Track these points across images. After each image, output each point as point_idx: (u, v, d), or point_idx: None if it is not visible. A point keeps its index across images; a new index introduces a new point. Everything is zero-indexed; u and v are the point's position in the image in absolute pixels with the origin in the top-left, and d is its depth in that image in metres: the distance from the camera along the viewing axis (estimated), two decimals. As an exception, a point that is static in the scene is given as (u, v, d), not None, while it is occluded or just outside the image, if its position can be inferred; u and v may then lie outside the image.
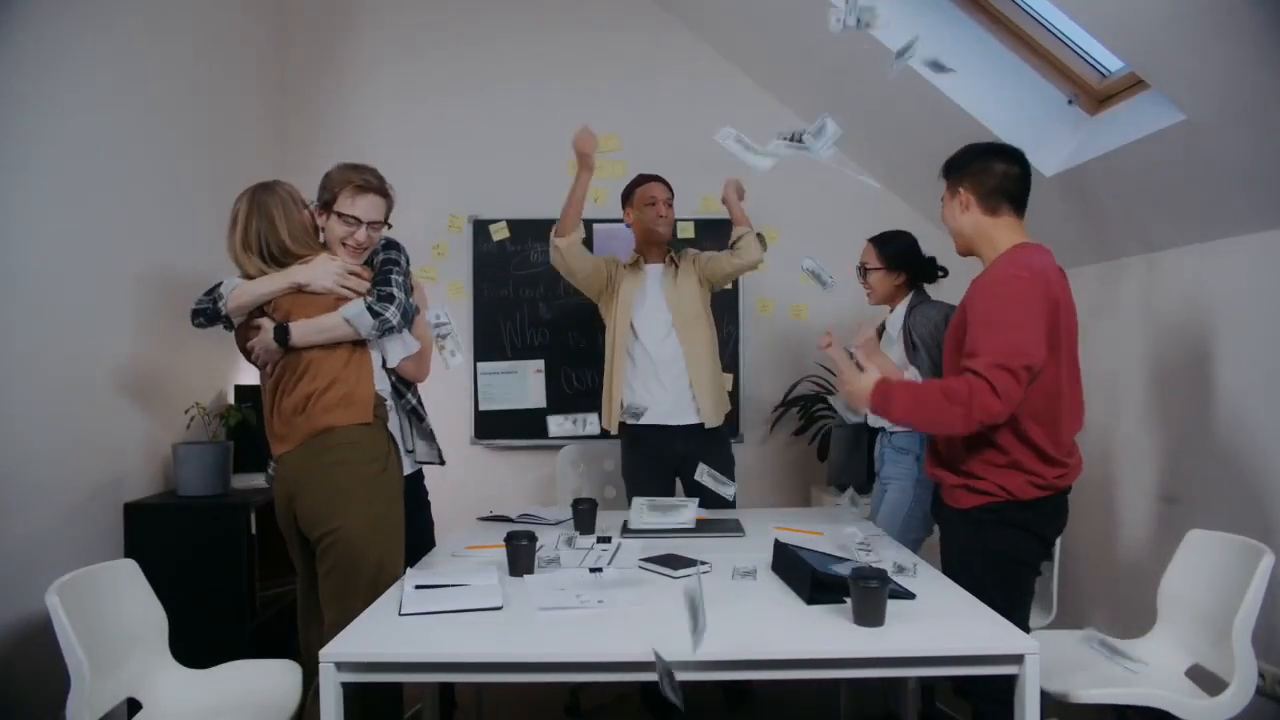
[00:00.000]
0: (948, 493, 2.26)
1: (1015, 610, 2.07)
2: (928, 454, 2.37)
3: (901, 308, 2.97)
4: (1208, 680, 2.19)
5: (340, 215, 2.36)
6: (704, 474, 2.78)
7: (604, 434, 3.23)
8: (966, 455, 2.19)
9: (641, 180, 3.33)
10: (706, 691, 3.28)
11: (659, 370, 3.22)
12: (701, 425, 3.22)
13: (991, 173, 2.24)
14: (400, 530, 2.28)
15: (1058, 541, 2.38)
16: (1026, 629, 2.10)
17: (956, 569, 2.17)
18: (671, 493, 3.25)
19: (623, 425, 3.27)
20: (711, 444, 3.23)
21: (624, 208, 3.37)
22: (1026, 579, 2.21)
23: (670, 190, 3.31)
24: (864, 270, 3.02)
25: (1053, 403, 2.13)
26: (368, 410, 2.25)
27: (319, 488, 2.19)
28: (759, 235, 3.24)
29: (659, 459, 3.23)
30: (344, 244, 2.35)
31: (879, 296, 3.02)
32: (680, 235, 4.19)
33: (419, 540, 2.68)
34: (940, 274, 3.03)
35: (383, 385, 2.37)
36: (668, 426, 3.19)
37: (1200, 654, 2.23)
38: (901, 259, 2.97)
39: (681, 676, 1.88)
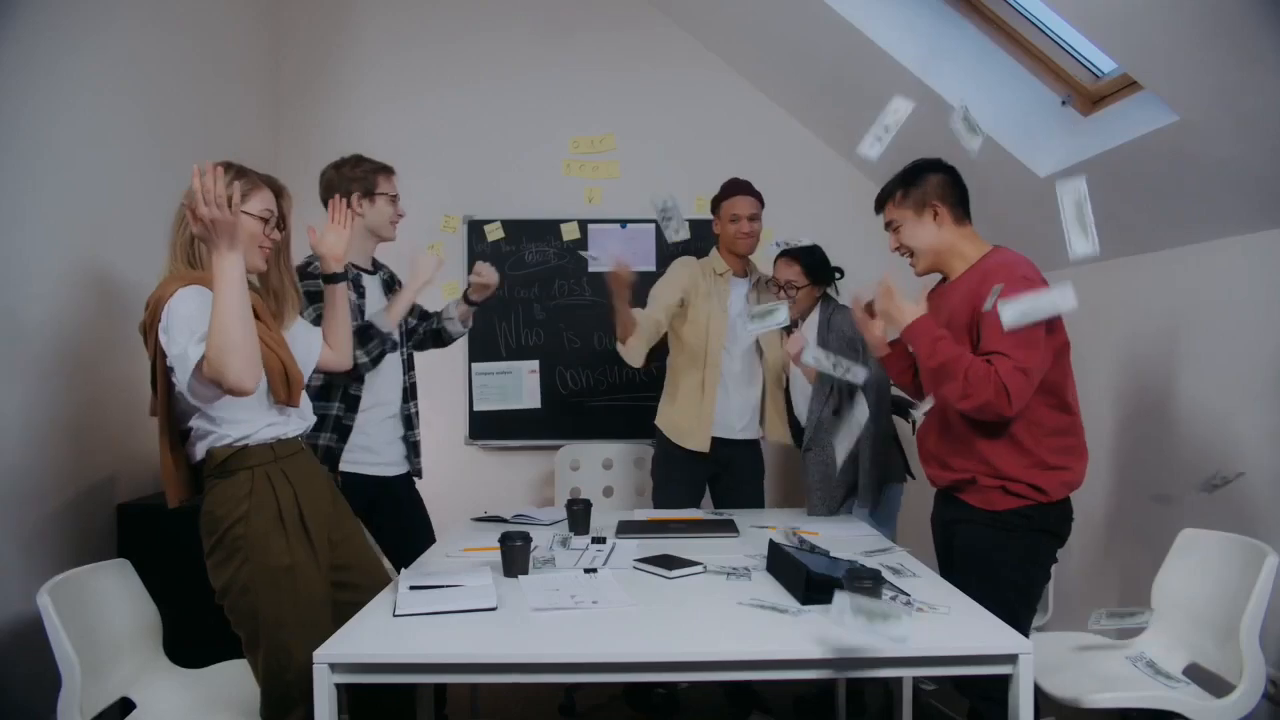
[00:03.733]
0: (977, 494, 2.21)
1: (1027, 613, 2.10)
2: (936, 457, 2.33)
3: (815, 315, 3.09)
4: (1204, 679, 2.20)
5: (391, 197, 2.81)
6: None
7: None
8: (994, 453, 2.17)
9: (726, 193, 3.20)
10: (707, 692, 3.29)
11: (736, 385, 3.21)
12: (749, 439, 3.26)
13: (948, 182, 2.27)
14: (289, 573, 1.99)
15: None
16: (1028, 632, 2.11)
17: (970, 570, 2.17)
18: (699, 501, 3.25)
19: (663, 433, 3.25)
20: (748, 452, 3.28)
21: (713, 213, 3.25)
22: (1042, 582, 2.23)
23: (758, 202, 3.19)
24: (791, 288, 3.06)
25: (1072, 394, 2.19)
26: (182, 490, 2.06)
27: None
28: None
29: (697, 469, 3.23)
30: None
31: (800, 310, 3.09)
32: (677, 237, 4.19)
33: (412, 541, 2.68)
34: (838, 275, 3.20)
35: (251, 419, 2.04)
36: (723, 440, 3.19)
37: (1199, 653, 2.24)
38: (822, 271, 3.10)
39: (679, 677, 1.88)
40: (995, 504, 2.17)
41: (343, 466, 2.66)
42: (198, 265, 2.02)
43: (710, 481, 3.29)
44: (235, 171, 2.08)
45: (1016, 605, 2.01)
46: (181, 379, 1.89)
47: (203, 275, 1.99)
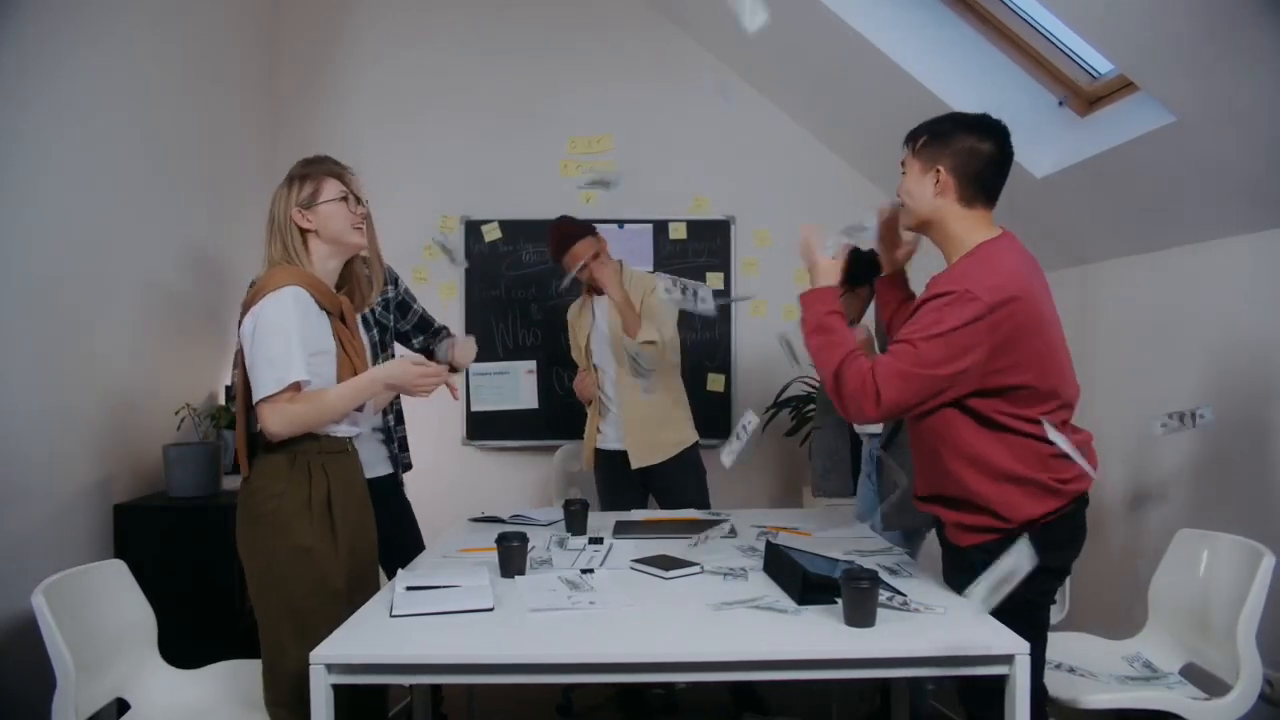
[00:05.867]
0: (946, 528, 2.01)
1: (1034, 647, 1.74)
2: (915, 484, 2.10)
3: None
4: (1201, 679, 2.20)
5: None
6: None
7: None
8: (948, 477, 1.91)
9: (561, 250, 3.20)
10: (711, 692, 3.28)
11: (616, 401, 3.26)
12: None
13: (978, 154, 1.91)
14: (308, 555, 2.03)
15: None
16: (1042, 659, 1.91)
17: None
18: (644, 506, 3.31)
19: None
20: (673, 469, 3.25)
21: None
22: (1041, 615, 1.92)
23: (591, 241, 3.16)
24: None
25: (1048, 381, 1.85)
26: (244, 461, 2.12)
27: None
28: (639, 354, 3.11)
29: (628, 478, 3.27)
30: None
31: (851, 316, 2.86)
32: (673, 236, 4.21)
33: (398, 540, 2.66)
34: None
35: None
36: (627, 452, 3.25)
37: (1196, 654, 2.25)
38: (861, 277, 2.82)
39: (676, 678, 1.87)
40: (960, 540, 1.94)
41: None
42: (293, 259, 2.09)
43: (654, 494, 3.34)
44: (299, 180, 2.13)
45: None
46: (255, 385, 2.01)
47: (302, 273, 2.08)
